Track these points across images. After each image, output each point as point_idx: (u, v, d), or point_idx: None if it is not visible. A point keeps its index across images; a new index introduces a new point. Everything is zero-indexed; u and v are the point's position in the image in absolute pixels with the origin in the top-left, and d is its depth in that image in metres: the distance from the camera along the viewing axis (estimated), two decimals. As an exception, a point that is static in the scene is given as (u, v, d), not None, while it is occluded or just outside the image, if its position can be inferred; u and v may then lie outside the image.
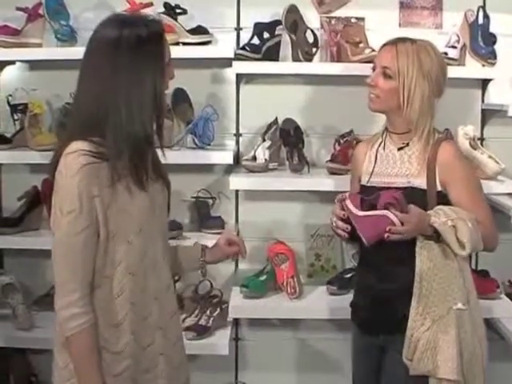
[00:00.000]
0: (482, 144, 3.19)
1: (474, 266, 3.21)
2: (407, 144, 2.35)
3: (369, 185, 2.39)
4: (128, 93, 1.88)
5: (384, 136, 2.42)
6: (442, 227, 2.16)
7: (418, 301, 2.23)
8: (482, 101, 3.27)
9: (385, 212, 2.14)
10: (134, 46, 1.88)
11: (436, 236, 2.20)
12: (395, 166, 2.36)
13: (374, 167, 2.40)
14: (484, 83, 3.24)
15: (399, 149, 2.36)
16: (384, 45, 2.38)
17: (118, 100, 1.87)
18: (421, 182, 2.29)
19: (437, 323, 2.22)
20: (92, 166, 1.84)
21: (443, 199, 2.27)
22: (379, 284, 2.36)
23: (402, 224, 2.12)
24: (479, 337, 2.28)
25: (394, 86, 2.28)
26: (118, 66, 1.87)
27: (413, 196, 2.25)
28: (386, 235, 2.12)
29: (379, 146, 2.43)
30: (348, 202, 2.20)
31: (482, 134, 3.26)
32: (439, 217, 2.18)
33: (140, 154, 1.93)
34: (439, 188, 2.28)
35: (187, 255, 2.25)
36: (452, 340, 2.19)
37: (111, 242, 1.90)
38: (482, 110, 3.27)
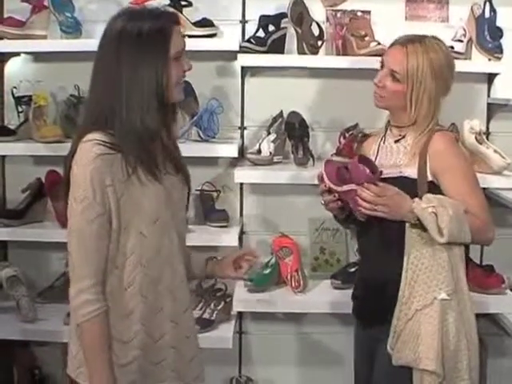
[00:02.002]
0: (487, 138, 3.17)
1: (478, 261, 3.21)
2: (403, 136, 2.35)
3: None
4: (128, 88, 1.89)
5: (386, 129, 2.43)
6: (421, 213, 2.15)
7: (404, 290, 2.23)
8: (488, 95, 3.25)
9: (353, 186, 2.19)
10: (134, 41, 1.89)
11: (420, 223, 2.19)
12: (392, 157, 2.37)
13: (375, 160, 2.40)
14: (490, 77, 3.23)
15: (396, 141, 2.37)
16: (393, 44, 2.35)
17: (120, 95, 1.89)
18: (412, 172, 2.28)
19: (420, 313, 2.21)
20: (106, 156, 1.86)
21: (435, 190, 2.25)
22: (371, 273, 2.38)
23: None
24: (467, 332, 2.24)
25: (402, 89, 2.27)
26: (119, 61, 1.89)
27: (403, 186, 2.24)
28: (357, 207, 2.19)
29: (381, 139, 2.44)
30: (325, 177, 2.27)
31: (487, 128, 3.25)
32: (421, 203, 2.17)
33: (144, 149, 1.93)
34: (430, 178, 2.27)
35: (196, 264, 2.26)
36: (434, 331, 2.18)
37: (123, 233, 1.92)
38: (488, 105, 3.25)
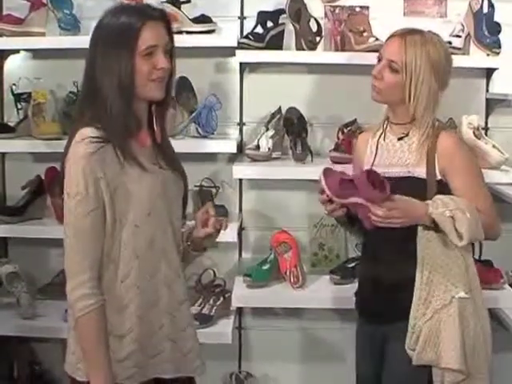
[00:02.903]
0: (486, 133, 3.18)
1: (477, 256, 3.21)
2: (407, 134, 2.34)
3: None
4: (101, 83, 1.92)
5: (385, 126, 2.42)
6: (440, 217, 2.15)
7: (420, 290, 2.23)
8: (487, 90, 3.25)
9: (360, 200, 2.14)
10: (104, 36, 1.94)
11: (435, 226, 2.19)
12: (395, 155, 2.35)
13: (374, 158, 2.40)
14: (489, 72, 3.23)
15: (399, 139, 2.36)
16: (391, 36, 2.34)
17: (98, 91, 1.92)
18: (421, 172, 2.27)
19: (439, 312, 2.22)
20: (99, 151, 1.89)
21: (444, 188, 2.26)
22: (382, 273, 2.36)
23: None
24: (482, 326, 2.26)
25: (400, 80, 2.26)
26: (95, 56, 1.94)
27: (413, 185, 2.25)
28: (367, 222, 2.15)
29: (380, 136, 2.42)
30: (327, 191, 2.20)
31: (486, 123, 3.25)
32: (437, 207, 2.16)
33: (121, 142, 1.95)
34: (439, 177, 2.27)
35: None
36: (455, 329, 2.19)
37: (118, 225, 1.94)
38: (487, 100, 3.25)
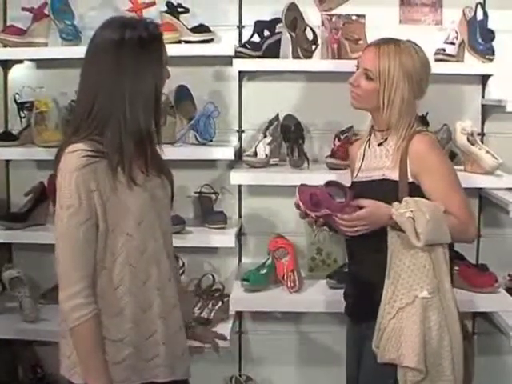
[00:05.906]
0: (482, 139, 3.20)
1: (474, 260, 3.24)
2: (386, 139, 2.39)
3: (355, 180, 2.48)
4: (131, 92, 1.96)
5: (370, 133, 2.48)
6: (399, 218, 2.19)
7: (387, 289, 2.27)
8: (483, 96, 3.27)
9: (328, 211, 2.26)
10: (137, 47, 1.96)
11: (399, 226, 2.22)
12: (375, 160, 2.41)
13: (361, 164, 2.46)
14: (484, 79, 3.25)
15: (379, 144, 2.41)
16: (368, 45, 2.42)
17: (122, 100, 1.95)
18: (394, 174, 2.32)
19: (402, 311, 2.24)
20: (91, 165, 1.92)
21: (416, 191, 2.29)
22: (358, 273, 2.44)
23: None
24: (450, 328, 2.25)
25: (375, 87, 2.32)
26: (121, 67, 1.96)
27: (386, 188, 2.30)
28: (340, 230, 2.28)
29: (366, 143, 2.48)
30: (301, 205, 2.31)
31: (482, 129, 3.27)
32: (399, 208, 2.20)
33: (141, 149, 2.01)
34: (411, 179, 2.30)
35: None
36: (416, 328, 2.20)
37: (111, 235, 1.98)
38: (483, 106, 3.27)
